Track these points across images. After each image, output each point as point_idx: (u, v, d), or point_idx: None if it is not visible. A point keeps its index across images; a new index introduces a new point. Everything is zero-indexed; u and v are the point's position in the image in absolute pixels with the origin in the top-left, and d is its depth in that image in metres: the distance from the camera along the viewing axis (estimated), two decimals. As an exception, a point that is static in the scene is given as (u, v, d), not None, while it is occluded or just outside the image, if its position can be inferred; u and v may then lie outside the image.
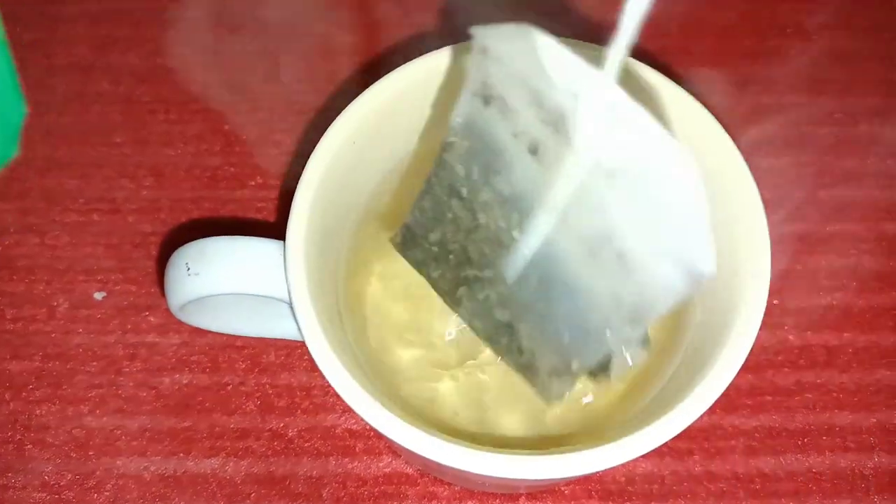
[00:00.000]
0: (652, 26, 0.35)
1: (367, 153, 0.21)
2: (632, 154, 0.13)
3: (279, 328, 0.23)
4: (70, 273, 0.28)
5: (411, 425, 0.18)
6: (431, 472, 0.25)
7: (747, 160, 0.21)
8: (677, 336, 0.22)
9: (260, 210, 0.29)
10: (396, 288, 0.23)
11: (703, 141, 0.21)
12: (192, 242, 0.20)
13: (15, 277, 0.28)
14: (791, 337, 0.27)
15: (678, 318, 0.22)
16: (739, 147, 0.21)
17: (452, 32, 0.22)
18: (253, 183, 0.29)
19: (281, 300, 0.19)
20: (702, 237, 0.13)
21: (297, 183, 0.20)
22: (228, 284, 0.19)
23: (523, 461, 0.17)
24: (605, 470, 0.21)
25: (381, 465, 0.25)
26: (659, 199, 0.13)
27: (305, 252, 0.19)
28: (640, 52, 0.22)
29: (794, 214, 0.30)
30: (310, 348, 0.18)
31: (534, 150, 0.15)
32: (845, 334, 0.28)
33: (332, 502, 0.25)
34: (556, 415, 0.22)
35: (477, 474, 0.18)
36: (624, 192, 0.13)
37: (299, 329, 0.18)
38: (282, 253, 0.19)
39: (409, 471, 0.25)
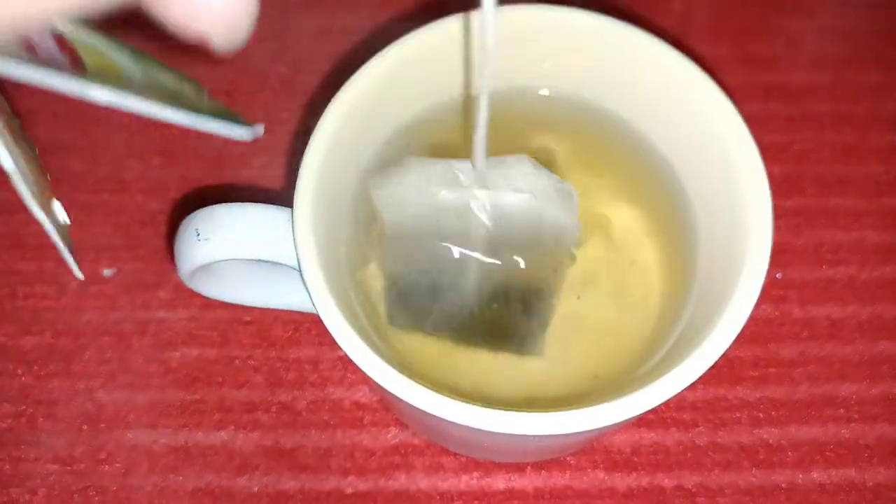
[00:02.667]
0: (654, 4, 0.35)
1: (370, 122, 0.21)
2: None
3: (287, 297, 0.23)
4: (80, 251, 0.28)
5: (421, 385, 0.18)
6: (439, 442, 0.25)
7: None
8: (678, 308, 0.22)
9: (267, 187, 0.29)
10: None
11: (708, 110, 0.22)
12: (203, 209, 0.20)
13: (26, 256, 0.28)
14: (794, 310, 0.28)
15: (678, 295, 0.22)
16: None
17: (445, 7, 0.22)
18: (258, 162, 0.30)
19: (289, 266, 0.20)
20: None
21: (301, 157, 0.20)
22: (238, 249, 0.19)
23: (527, 418, 0.18)
24: (609, 431, 0.21)
25: (388, 436, 0.26)
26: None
27: (313, 218, 0.19)
28: (646, 28, 0.23)
29: (795, 189, 0.30)
30: (317, 307, 0.18)
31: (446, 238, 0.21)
32: (848, 307, 0.28)
33: (339, 473, 0.25)
34: (563, 384, 0.22)
35: (485, 432, 0.18)
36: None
37: (308, 290, 0.18)
38: (290, 219, 0.19)
39: (417, 441, 0.25)
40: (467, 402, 0.18)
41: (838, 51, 0.32)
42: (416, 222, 0.21)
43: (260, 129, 0.17)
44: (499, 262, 0.21)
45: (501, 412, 0.18)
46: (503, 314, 0.22)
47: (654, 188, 0.24)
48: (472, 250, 0.21)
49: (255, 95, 0.31)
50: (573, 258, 0.22)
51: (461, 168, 0.20)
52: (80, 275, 0.19)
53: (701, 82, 0.22)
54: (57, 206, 0.20)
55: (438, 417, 0.18)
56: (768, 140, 0.30)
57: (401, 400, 0.18)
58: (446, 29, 0.22)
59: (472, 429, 0.18)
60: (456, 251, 0.21)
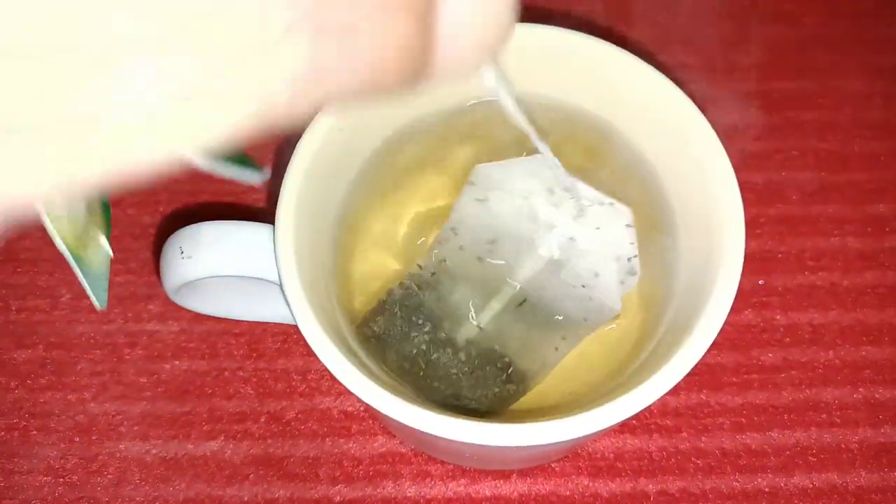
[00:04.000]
0: (636, 14, 0.36)
1: (353, 136, 0.22)
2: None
3: (272, 311, 0.24)
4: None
5: (403, 399, 0.18)
6: (425, 451, 0.25)
7: (733, 144, 0.22)
8: (655, 322, 0.22)
9: (256, 200, 0.30)
10: (384, 260, 0.24)
11: (679, 122, 0.22)
12: (186, 227, 0.20)
13: (19, 270, 0.29)
14: (777, 316, 0.28)
15: (655, 310, 0.23)
16: (723, 131, 0.22)
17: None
18: (248, 175, 0.30)
19: (272, 282, 0.20)
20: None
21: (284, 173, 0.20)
22: (220, 267, 0.20)
23: (507, 430, 0.18)
24: (591, 438, 0.21)
25: (375, 445, 0.26)
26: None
27: (295, 234, 0.20)
28: (622, 40, 0.23)
29: (779, 197, 0.30)
30: (299, 324, 0.19)
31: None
32: (830, 312, 0.28)
33: (328, 482, 0.25)
34: (543, 391, 0.23)
35: (468, 444, 0.18)
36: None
37: (289, 307, 0.19)
38: (271, 236, 0.20)
39: (404, 450, 0.26)
40: (448, 415, 0.18)
41: (822, 59, 0.33)
42: (474, 230, 0.21)
43: (267, 173, 0.18)
44: (523, 299, 0.21)
45: (483, 424, 0.18)
46: (486, 382, 0.22)
47: (640, 198, 0.25)
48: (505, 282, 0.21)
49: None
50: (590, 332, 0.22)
51: (580, 188, 0.20)
52: (98, 305, 0.20)
53: (673, 95, 0.22)
54: (103, 241, 0.21)
55: (420, 430, 0.18)
56: (752, 148, 0.31)
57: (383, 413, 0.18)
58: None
59: (455, 440, 0.18)
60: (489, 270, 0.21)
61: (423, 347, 0.21)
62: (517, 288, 0.22)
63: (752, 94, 0.32)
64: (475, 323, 0.22)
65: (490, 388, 0.22)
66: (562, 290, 0.21)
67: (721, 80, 0.32)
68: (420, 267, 0.22)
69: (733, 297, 0.19)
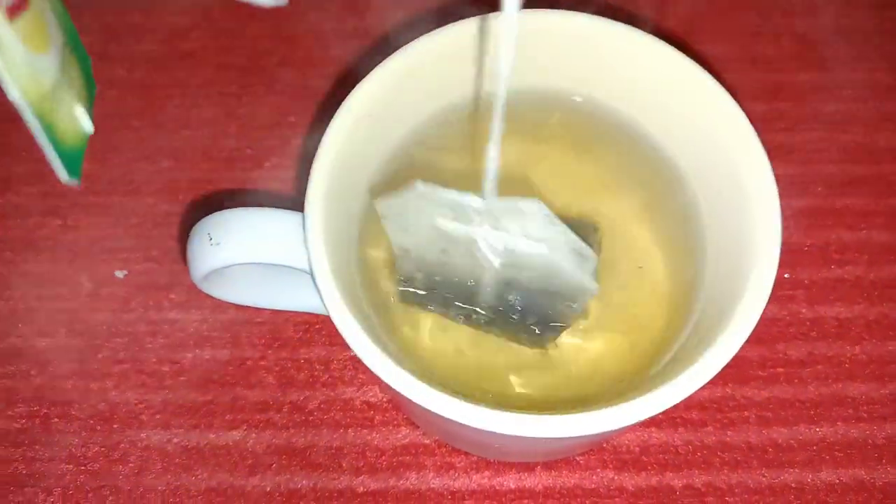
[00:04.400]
0: (662, 6, 0.35)
1: (380, 124, 0.22)
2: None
3: (299, 300, 0.24)
4: (92, 253, 0.28)
5: (433, 387, 0.18)
6: (449, 442, 0.25)
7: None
8: (689, 303, 0.22)
9: (279, 189, 0.30)
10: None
11: (715, 115, 0.22)
12: (215, 213, 0.20)
13: (39, 257, 0.28)
14: (803, 310, 0.28)
15: (689, 286, 0.22)
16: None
17: (453, 11, 0.23)
18: (268, 163, 0.30)
19: (301, 269, 0.20)
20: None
21: (312, 162, 0.20)
22: (250, 253, 0.20)
23: (538, 421, 0.18)
24: (620, 432, 0.21)
25: (398, 436, 0.26)
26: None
27: (324, 221, 0.19)
28: (652, 30, 0.23)
29: (804, 189, 0.30)
30: (329, 313, 0.18)
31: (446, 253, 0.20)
32: (856, 306, 0.28)
33: (351, 472, 0.25)
34: (569, 378, 0.23)
35: (497, 434, 0.18)
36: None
37: (320, 296, 0.19)
38: (301, 223, 0.20)
39: (427, 441, 0.26)
40: (478, 405, 0.18)
41: (846, 50, 0.32)
42: (421, 250, 0.20)
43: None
44: (510, 299, 0.21)
45: (512, 415, 0.18)
46: (515, 323, 0.22)
47: (662, 191, 0.24)
48: (481, 286, 0.21)
49: (264, 97, 0.31)
50: (586, 316, 0.22)
51: (471, 202, 0.19)
52: (65, 179, 0.17)
53: (707, 86, 0.22)
54: (80, 113, 0.18)
55: (449, 419, 0.18)
56: (776, 140, 0.30)
57: (413, 402, 0.18)
58: (459, 32, 0.22)
59: (483, 431, 0.18)
60: (463, 279, 0.21)
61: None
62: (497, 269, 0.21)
63: (775, 85, 0.32)
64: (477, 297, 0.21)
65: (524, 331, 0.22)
66: (536, 290, 0.21)
67: (744, 71, 0.32)
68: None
69: (767, 296, 0.19)
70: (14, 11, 0.17)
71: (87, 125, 0.18)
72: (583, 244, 0.19)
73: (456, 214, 0.19)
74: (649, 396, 0.18)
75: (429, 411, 0.18)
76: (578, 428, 0.18)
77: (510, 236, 0.19)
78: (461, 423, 0.18)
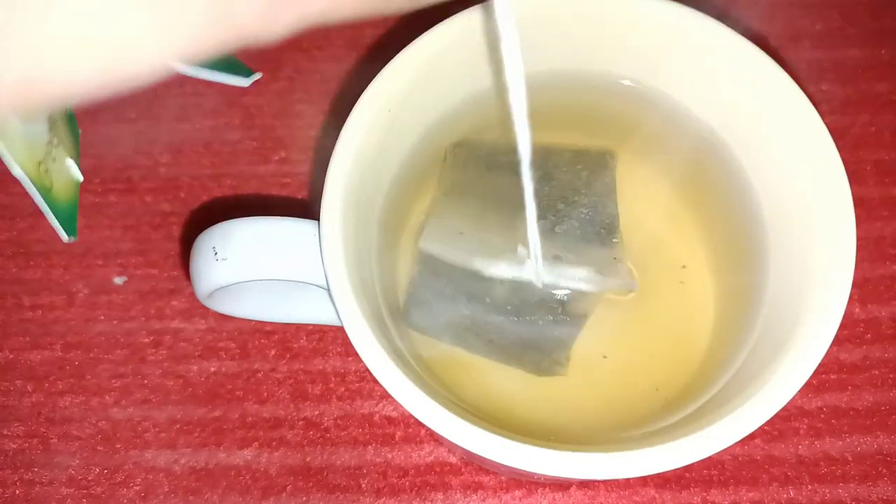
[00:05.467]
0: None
1: (399, 120, 0.19)
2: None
3: (315, 313, 0.22)
4: (88, 257, 0.26)
5: (459, 417, 0.16)
6: (476, 461, 0.23)
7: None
8: (747, 321, 0.20)
9: (285, 186, 0.27)
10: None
11: (785, 113, 0.20)
12: (218, 225, 0.18)
13: (32, 263, 0.26)
14: (856, 309, 0.26)
15: (749, 298, 0.20)
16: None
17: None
18: (276, 157, 0.28)
19: (317, 286, 0.18)
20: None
21: (323, 155, 0.18)
22: (259, 270, 0.17)
23: (580, 458, 0.16)
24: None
25: (422, 453, 0.24)
26: None
27: (343, 232, 0.17)
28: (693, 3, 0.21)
29: (854, 178, 0.27)
30: (351, 339, 0.16)
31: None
32: (914, 306, 0.26)
33: (372, 494, 0.24)
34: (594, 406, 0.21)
35: (531, 471, 0.16)
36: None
37: (339, 317, 0.17)
38: (316, 234, 0.17)
39: (453, 459, 0.24)
40: (510, 437, 0.16)
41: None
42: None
43: (256, 77, 0.18)
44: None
45: (551, 452, 0.16)
46: (530, 326, 0.21)
47: (722, 198, 0.22)
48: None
49: (269, 85, 0.29)
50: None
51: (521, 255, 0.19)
52: (65, 239, 0.19)
53: (793, 98, 0.19)
54: (70, 164, 0.19)
55: (486, 457, 0.16)
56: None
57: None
58: (472, 17, 0.20)
59: (505, 464, 0.16)
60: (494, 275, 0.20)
61: (469, 303, 0.21)
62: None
63: (821, 63, 0.29)
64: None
65: (548, 319, 0.21)
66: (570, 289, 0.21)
67: (787, 48, 0.29)
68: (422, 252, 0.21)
69: (836, 328, 0.17)
70: None
71: (76, 174, 0.19)
72: (614, 225, 0.20)
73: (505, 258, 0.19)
74: (707, 432, 0.16)
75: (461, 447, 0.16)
76: (620, 470, 0.16)
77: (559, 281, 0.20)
78: (494, 461, 0.16)
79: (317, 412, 0.24)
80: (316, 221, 0.18)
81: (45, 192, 0.19)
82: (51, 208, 0.19)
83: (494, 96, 0.22)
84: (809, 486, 0.24)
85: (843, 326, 0.26)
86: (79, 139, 0.20)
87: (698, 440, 0.16)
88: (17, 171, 0.17)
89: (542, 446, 0.16)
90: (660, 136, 0.23)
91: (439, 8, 0.20)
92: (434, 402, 0.16)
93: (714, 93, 0.21)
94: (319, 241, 0.17)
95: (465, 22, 0.20)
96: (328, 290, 0.17)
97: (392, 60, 0.19)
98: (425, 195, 0.23)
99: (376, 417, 0.24)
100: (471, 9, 0.20)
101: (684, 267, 0.22)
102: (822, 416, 0.24)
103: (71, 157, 0.19)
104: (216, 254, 0.17)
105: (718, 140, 0.22)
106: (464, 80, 0.21)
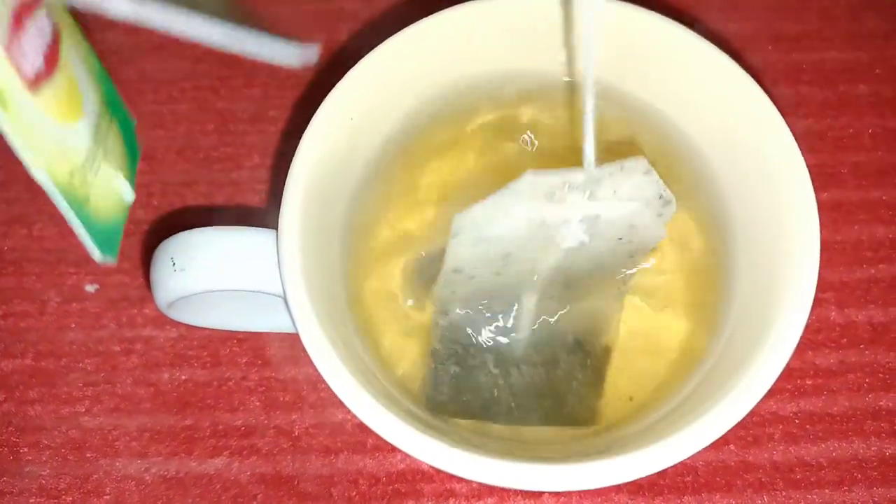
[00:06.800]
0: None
1: (362, 127, 0.19)
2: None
3: (277, 322, 0.22)
4: (60, 265, 0.26)
5: (418, 430, 0.16)
6: (447, 469, 0.23)
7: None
8: (718, 326, 0.20)
9: (259, 192, 0.27)
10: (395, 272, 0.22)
11: (746, 111, 0.19)
12: (177, 235, 0.18)
13: (3, 271, 0.26)
14: (832, 314, 0.26)
15: (719, 302, 0.20)
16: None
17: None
18: (250, 163, 0.28)
19: (276, 295, 0.18)
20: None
21: (289, 163, 0.18)
22: (216, 280, 0.17)
23: (545, 470, 0.16)
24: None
25: (394, 461, 0.24)
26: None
27: (301, 242, 0.17)
28: (668, 10, 0.20)
29: (832, 181, 0.27)
30: (308, 351, 0.16)
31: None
32: (892, 309, 0.26)
33: (343, 502, 0.23)
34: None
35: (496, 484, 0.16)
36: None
37: (296, 329, 0.16)
38: (274, 243, 0.17)
39: (425, 467, 0.24)
40: (471, 450, 0.16)
41: (876, 26, 0.30)
42: (477, 268, 0.19)
43: (313, 53, 0.16)
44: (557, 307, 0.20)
45: (518, 464, 0.16)
46: (554, 377, 0.21)
47: (697, 198, 0.22)
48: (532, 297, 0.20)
49: (243, 90, 0.29)
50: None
51: (575, 176, 0.18)
52: (98, 258, 0.17)
53: (749, 92, 0.19)
54: (120, 182, 0.17)
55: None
56: (801, 127, 0.28)
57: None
58: (444, 19, 0.20)
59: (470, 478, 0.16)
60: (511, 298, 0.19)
61: (493, 376, 0.20)
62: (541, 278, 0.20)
63: (799, 65, 0.29)
64: (518, 335, 0.20)
65: (572, 375, 0.21)
66: (596, 255, 0.20)
67: (765, 50, 0.29)
68: (439, 325, 0.21)
69: (800, 333, 0.17)
70: (37, 81, 0.15)
71: (127, 195, 0.18)
72: (667, 190, 0.19)
73: (553, 196, 0.18)
74: (676, 438, 0.16)
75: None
76: (589, 481, 0.16)
77: (600, 203, 0.18)
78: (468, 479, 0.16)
79: (288, 420, 0.24)
80: (274, 231, 0.18)
81: (78, 205, 0.17)
82: (84, 223, 0.17)
83: (454, 95, 0.22)
84: (784, 492, 0.23)
85: (819, 330, 0.26)
86: (137, 157, 0.18)
87: (668, 447, 0.16)
88: (39, 174, 0.15)
89: (506, 459, 0.16)
90: (628, 138, 0.22)
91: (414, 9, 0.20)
92: (388, 411, 0.16)
93: (686, 99, 0.21)
94: (277, 250, 0.17)
95: (421, 30, 0.20)
96: (284, 298, 0.17)
97: (350, 71, 0.19)
98: (396, 200, 0.22)
99: (348, 426, 0.24)
100: (434, 15, 0.20)
101: (655, 272, 0.22)
102: (798, 421, 0.24)
103: (123, 175, 0.18)
104: (174, 264, 0.17)
105: (690, 144, 0.22)
106: (425, 81, 0.21)
